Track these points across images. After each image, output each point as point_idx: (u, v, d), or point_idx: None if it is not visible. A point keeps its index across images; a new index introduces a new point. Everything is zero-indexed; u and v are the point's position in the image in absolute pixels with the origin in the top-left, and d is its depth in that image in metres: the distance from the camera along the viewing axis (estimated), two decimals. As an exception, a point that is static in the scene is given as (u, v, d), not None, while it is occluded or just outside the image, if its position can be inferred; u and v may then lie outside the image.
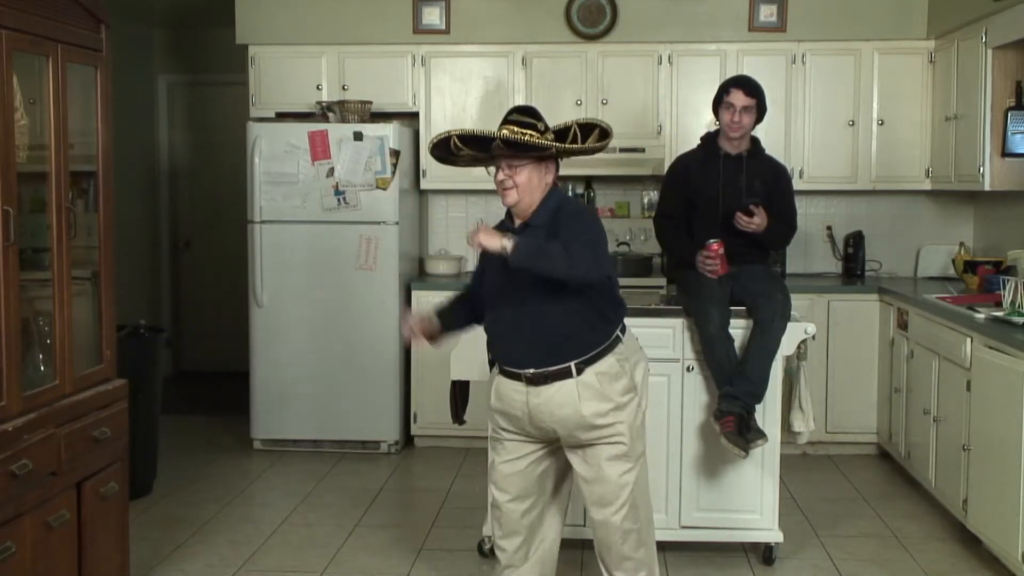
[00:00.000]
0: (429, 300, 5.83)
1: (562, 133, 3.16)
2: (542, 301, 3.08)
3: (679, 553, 4.20)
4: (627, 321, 3.30)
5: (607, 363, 3.15)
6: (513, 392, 3.18)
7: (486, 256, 3.16)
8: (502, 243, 2.94)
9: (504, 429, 3.27)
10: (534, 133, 3.07)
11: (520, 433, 3.24)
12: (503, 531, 3.32)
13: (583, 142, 3.15)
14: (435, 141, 3.15)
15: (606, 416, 3.13)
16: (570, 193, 6.12)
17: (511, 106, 5.98)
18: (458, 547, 4.35)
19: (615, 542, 3.23)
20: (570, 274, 2.98)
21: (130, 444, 3.55)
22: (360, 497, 5.02)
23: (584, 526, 4.03)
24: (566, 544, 3.54)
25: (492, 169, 3.18)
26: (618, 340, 3.20)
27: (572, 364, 3.11)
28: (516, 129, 3.06)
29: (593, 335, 3.15)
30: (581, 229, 3.07)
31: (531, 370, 3.13)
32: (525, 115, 3.13)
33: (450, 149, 3.15)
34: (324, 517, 4.73)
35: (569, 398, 3.11)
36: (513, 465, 3.27)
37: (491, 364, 3.33)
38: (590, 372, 3.12)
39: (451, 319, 3.39)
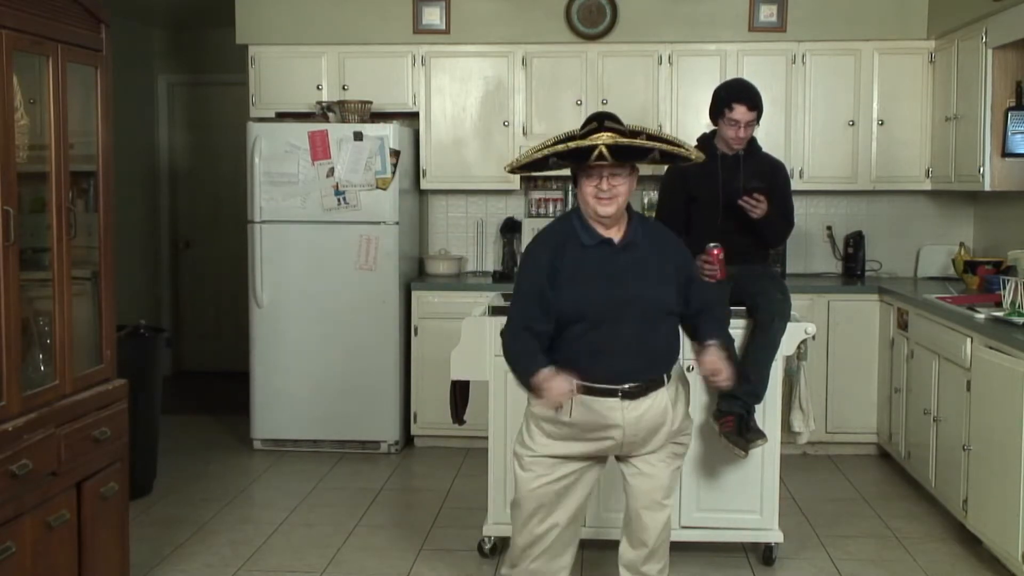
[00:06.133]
0: (429, 300, 5.85)
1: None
2: (663, 313, 3.11)
3: (679, 553, 4.18)
4: None
5: (677, 367, 3.22)
6: (607, 410, 3.06)
7: (587, 268, 3.04)
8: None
9: (580, 441, 3.12)
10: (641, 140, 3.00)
11: (589, 452, 3.13)
12: (552, 552, 3.20)
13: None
14: (525, 162, 3.04)
15: (685, 419, 3.22)
16: (568, 194, 6.11)
17: (506, 107, 6.00)
18: (458, 547, 4.34)
19: (665, 538, 3.25)
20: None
21: (130, 444, 3.55)
22: (360, 497, 5.02)
23: (585, 526, 4.03)
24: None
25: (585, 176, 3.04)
26: None
27: (664, 374, 3.14)
28: (616, 136, 2.96)
29: (677, 343, 3.22)
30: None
31: (629, 384, 3.06)
32: (618, 122, 3.03)
33: (542, 164, 3.03)
34: (324, 517, 4.73)
35: (663, 406, 3.12)
36: (582, 488, 3.18)
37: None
38: (673, 378, 3.18)
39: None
